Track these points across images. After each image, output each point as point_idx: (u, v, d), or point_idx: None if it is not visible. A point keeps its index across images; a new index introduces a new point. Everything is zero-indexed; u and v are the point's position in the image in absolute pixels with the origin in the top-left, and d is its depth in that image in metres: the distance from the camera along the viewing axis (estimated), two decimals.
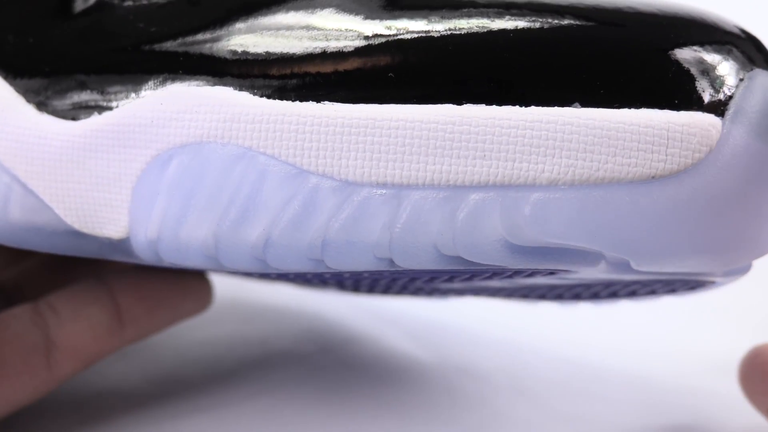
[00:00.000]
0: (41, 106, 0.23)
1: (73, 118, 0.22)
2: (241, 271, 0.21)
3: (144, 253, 0.22)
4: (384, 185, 0.20)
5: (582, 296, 0.27)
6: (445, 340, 0.31)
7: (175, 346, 0.29)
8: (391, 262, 0.20)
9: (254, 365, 0.28)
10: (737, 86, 0.20)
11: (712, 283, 0.24)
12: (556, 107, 0.20)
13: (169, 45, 0.22)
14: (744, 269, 0.23)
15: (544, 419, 0.26)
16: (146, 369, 0.28)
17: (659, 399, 0.27)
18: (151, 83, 0.22)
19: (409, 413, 0.26)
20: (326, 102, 0.20)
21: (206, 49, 0.22)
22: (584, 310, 0.30)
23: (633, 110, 0.20)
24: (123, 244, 0.22)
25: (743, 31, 0.21)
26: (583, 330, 0.31)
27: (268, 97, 0.21)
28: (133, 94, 0.22)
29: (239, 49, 0.21)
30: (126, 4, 0.23)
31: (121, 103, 0.22)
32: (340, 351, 0.30)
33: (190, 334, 0.30)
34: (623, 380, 0.28)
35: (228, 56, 0.21)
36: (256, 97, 0.21)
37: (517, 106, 0.20)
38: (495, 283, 0.25)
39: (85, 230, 0.22)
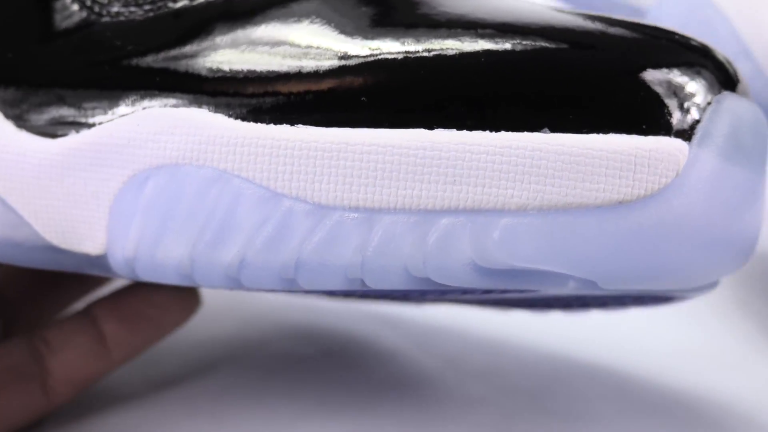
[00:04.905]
0: (20, 122, 0.23)
1: (52, 136, 0.22)
2: (219, 288, 0.22)
3: (121, 270, 0.22)
4: (356, 209, 0.20)
5: (553, 306, 0.28)
6: (445, 341, 0.31)
7: (174, 348, 0.29)
8: (362, 282, 0.20)
9: (254, 367, 0.28)
10: (705, 110, 0.20)
11: (681, 297, 0.25)
12: (525, 133, 0.20)
13: (145, 62, 0.22)
14: (712, 285, 0.23)
15: (544, 419, 0.26)
16: (145, 371, 0.28)
17: (659, 399, 0.27)
18: (128, 101, 0.22)
19: (409, 415, 0.26)
20: (300, 125, 0.21)
21: (182, 66, 0.22)
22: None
23: (601, 136, 0.20)
24: (100, 260, 0.22)
25: (712, 54, 0.22)
26: (583, 329, 0.31)
27: (243, 119, 0.21)
28: (110, 112, 0.22)
29: (215, 67, 0.22)
30: (104, 20, 0.23)
31: (98, 120, 0.22)
32: (340, 353, 0.30)
33: (190, 336, 0.30)
34: (623, 380, 0.28)
35: (204, 74, 0.22)
36: (231, 120, 0.21)
37: (488, 132, 0.20)
38: (467, 296, 0.25)
39: (64, 246, 0.22)
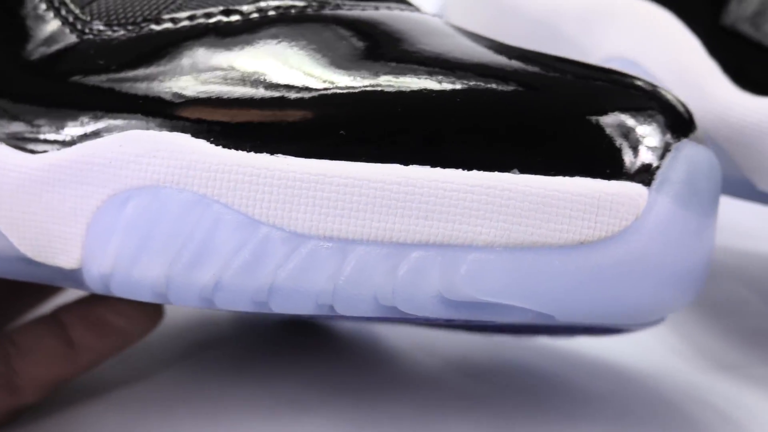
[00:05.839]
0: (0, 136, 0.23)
1: (32, 151, 0.23)
2: (190, 306, 0.22)
3: (95, 285, 0.22)
4: (330, 239, 0.21)
5: (504, 331, 0.29)
6: (445, 341, 0.31)
7: (173, 348, 0.29)
8: (332, 308, 0.21)
9: (254, 367, 0.28)
10: (665, 157, 0.22)
11: (629, 330, 0.26)
12: (496, 172, 0.21)
13: (129, 82, 0.23)
14: (660, 319, 0.25)
15: (544, 419, 0.26)
16: (143, 371, 0.28)
17: (659, 399, 0.27)
18: (110, 120, 0.22)
19: (409, 415, 0.26)
20: (280, 155, 0.21)
21: (165, 88, 0.22)
22: None
23: (567, 178, 0.21)
24: (74, 274, 0.23)
25: (674, 102, 0.23)
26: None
27: (225, 146, 0.21)
28: (92, 131, 0.22)
29: (198, 91, 0.22)
30: (87, 38, 0.24)
31: (79, 138, 0.22)
32: (340, 353, 0.30)
33: (189, 336, 0.30)
34: (623, 380, 0.29)
35: (187, 97, 0.22)
36: (213, 146, 0.22)
37: (460, 170, 0.21)
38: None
39: (38, 259, 0.23)
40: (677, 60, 0.29)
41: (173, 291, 0.22)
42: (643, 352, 0.30)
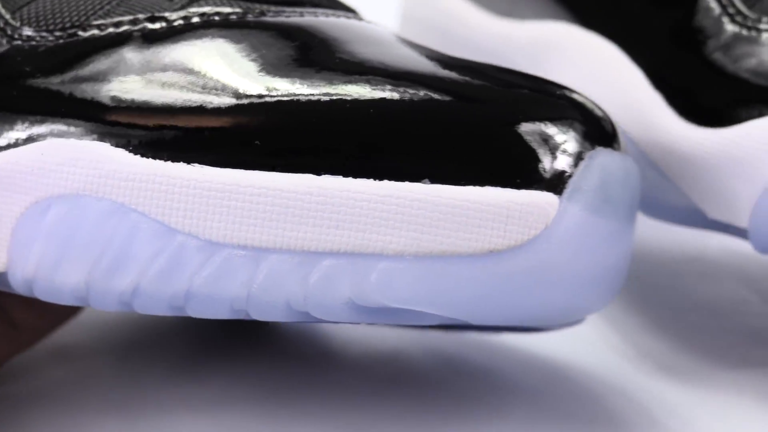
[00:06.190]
0: None
1: None
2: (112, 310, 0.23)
3: (20, 288, 0.23)
4: (244, 247, 0.22)
5: (432, 327, 0.29)
6: (445, 341, 0.31)
7: (171, 349, 0.30)
8: (246, 313, 0.22)
9: (254, 367, 0.29)
10: (577, 165, 0.22)
11: (549, 329, 0.26)
12: (407, 182, 0.21)
13: (53, 89, 0.23)
14: (579, 320, 0.25)
15: (544, 419, 0.26)
16: (141, 373, 0.28)
17: (659, 399, 0.27)
18: (34, 126, 0.23)
19: (409, 415, 0.26)
20: (196, 164, 0.22)
21: (88, 95, 0.23)
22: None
23: (477, 188, 0.21)
24: (1, 277, 0.23)
25: (589, 109, 0.23)
26: (583, 329, 0.30)
27: (143, 155, 0.22)
28: (15, 137, 0.23)
29: (119, 98, 0.23)
30: (15, 43, 0.24)
31: (5, 146, 0.23)
32: (340, 353, 0.30)
33: (187, 336, 0.30)
34: (623, 380, 0.28)
35: (108, 105, 0.23)
36: (131, 155, 0.22)
37: (371, 180, 0.21)
38: None
39: None
40: (623, 92, 0.29)
41: (93, 296, 0.22)
42: (643, 352, 0.30)
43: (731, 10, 0.28)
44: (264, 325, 0.30)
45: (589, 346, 0.30)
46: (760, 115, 0.26)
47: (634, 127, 0.28)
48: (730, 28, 0.27)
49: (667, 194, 0.28)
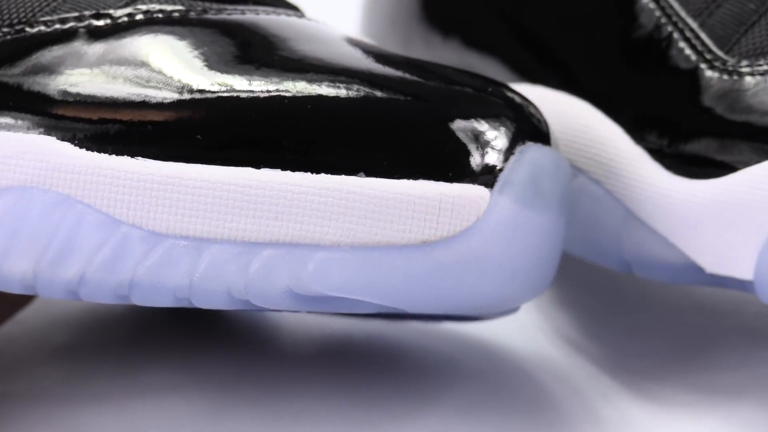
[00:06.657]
0: None
1: None
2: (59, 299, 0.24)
3: None
4: (186, 238, 0.22)
5: (374, 315, 0.30)
6: (445, 341, 0.31)
7: (170, 350, 0.30)
8: (189, 302, 0.23)
9: (254, 367, 0.29)
10: (508, 160, 0.23)
11: (486, 318, 0.27)
12: (343, 176, 0.22)
13: (1, 86, 0.24)
14: (514, 309, 0.26)
15: (543, 419, 0.26)
16: (139, 374, 0.28)
17: (659, 400, 0.27)
18: None
19: (409, 415, 0.26)
20: (139, 157, 0.23)
21: (34, 89, 0.24)
22: (584, 310, 0.31)
23: (411, 182, 0.22)
24: None
25: (521, 106, 0.24)
26: (583, 329, 0.31)
27: (88, 149, 0.23)
28: None
29: (65, 92, 0.23)
30: None
31: None
32: (340, 353, 0.30)
33: (185, 337, 0.30)
34: (624, 380, 0.28)
35: (54, 98, 0.23)
36: (77, 149, 0.23)
37: (309, 173, 0.22)
38: None
39: None
40: (604, 150, 0.28)
41: (41, 285, 0.23)
42: (643, 352, 0.30)
43: (708, 56, 0.27)
44: (264, 325, 0.31)
45: (588, 347, 0.30)
46: (753, 161, 0.25)
47: (619, 183, 0.27)
48: (709, 74, 0.26)
49: (660, 252, 0.27)
